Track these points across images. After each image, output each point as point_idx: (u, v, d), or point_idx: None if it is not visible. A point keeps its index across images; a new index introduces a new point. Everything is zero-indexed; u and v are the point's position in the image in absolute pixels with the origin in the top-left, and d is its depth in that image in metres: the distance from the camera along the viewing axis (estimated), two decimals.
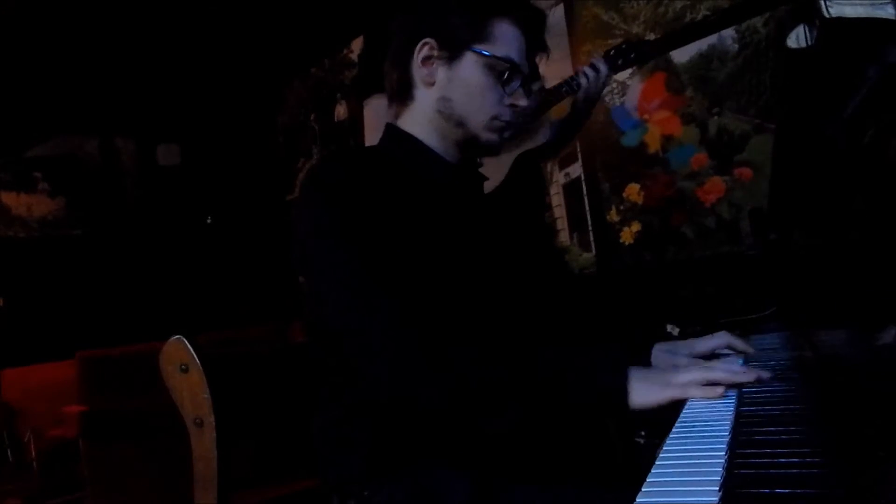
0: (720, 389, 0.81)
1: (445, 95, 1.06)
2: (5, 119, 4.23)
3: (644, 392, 0.83)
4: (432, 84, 1.07)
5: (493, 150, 1.12)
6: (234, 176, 4.94)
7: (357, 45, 4.27)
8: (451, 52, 1.05)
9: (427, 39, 1.05)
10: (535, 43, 1.11)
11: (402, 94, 1.10)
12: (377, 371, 0.88)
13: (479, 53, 1.04)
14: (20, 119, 4.33)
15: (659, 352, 1.11)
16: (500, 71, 1.05)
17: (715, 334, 1.12)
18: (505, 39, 1.05)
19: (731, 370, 0.85)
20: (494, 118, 1.07)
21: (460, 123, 1.07)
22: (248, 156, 4.96)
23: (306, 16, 4.18)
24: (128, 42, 4.22)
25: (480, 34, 1.04)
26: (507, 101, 1.07)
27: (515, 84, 1.07)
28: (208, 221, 4.88)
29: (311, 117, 4.66)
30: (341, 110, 4.41)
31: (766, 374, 0.84)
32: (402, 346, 0.87)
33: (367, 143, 1.77)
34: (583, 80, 1.82)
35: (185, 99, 4.76)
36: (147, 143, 4.92)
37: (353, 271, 0.91)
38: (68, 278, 4.37)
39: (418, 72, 1.07)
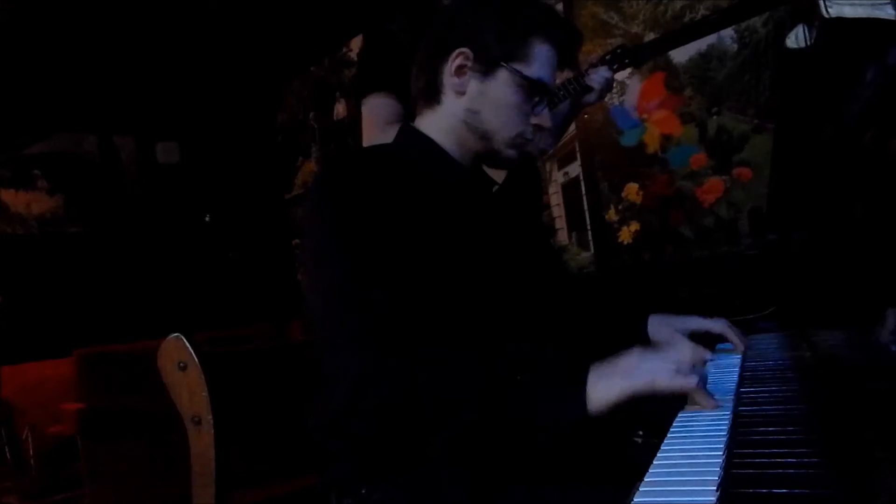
0: (709, 402, 0.78)
1: (474, 108, 1.05)
2: (4, 117, 4.22)
3: (604, 389, 0.80)
4: (462, 94, 1.05)
5: (510, 165, 1.12)
6: (233, 174, 4.94)
7: (356, 44, 4.27)
8: (486, 66, 1.04)
9: (463, 49, 1.04)
10: (567, 62, 1.11)
11: (427, 97, 1.09)
12: (338, 371, 0.89)
13: (514, 72, 1.03)
14: (19, 116, 4.32)
15: (654, 321, 1.15)
16: (531, 91, 1.05)
17: (715, 319, 1.13)
18: (540, 60, 1.04)
19: (700, 390, 0.80)
20: (518, 136, 1.07)
21: (485, 137, 1.06)
22: (247, 154, 4.95)
23: (306, 14, 4.18)
24: (127, 40, 4.21)
25: (518, 52, 1.03)
26: (533, 120, 1.07)
27: (543, 106, 1.07)
28: (207, 219, 4.88)
29: (311, 116, 4.66)
30: (340, 109, 4.41)
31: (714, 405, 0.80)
32: (364, 356, 0.87)
33: (365, 142, 1.76)
34: (594, 83, 1.84)
35: (184, 97, 4.76)
36: (146, 141, 4.91)
37: (338, 272, 0.92)
38: (67, 276, 4.36)
39: (449, 79, 1.06)
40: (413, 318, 0.90)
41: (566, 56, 1.10)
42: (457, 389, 0.85)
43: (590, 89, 1.85)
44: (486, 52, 1.04)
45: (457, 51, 1.04)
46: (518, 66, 1.03)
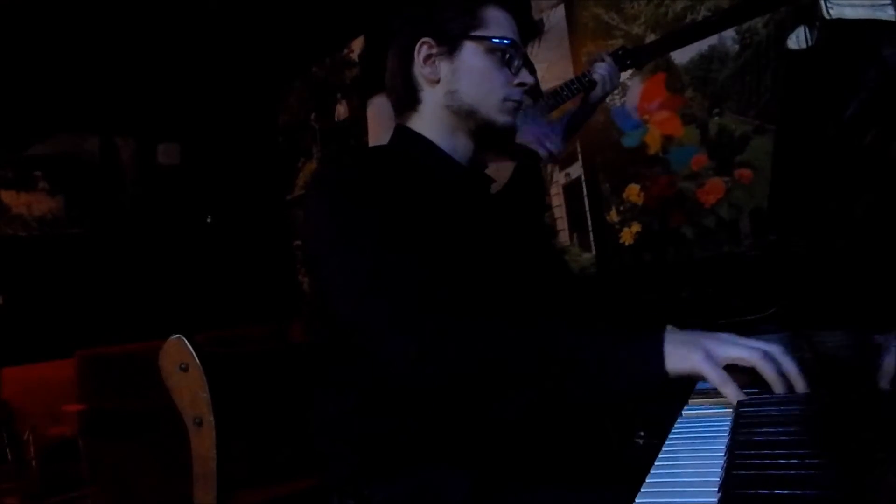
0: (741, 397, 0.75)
1: (452, 89, 1.07)
2: (5, 118, 4.23)
3: (681, 357, 0.78)
4: (437, 81, 1.08)
5: (510, 132, 1.12)
6: (235, 175, 4.94)
7: (357, 44, 4.27)
8: (450, 45, 1.07)
9: (424, 39, 1.07)
10: (525, 26, 1.13)
11: (409, 100, 1.11)
12: (391, 343, 0.86)
13: (478, 39, 1.06)
14: (20, 117, 4.32)
15: None
16: (502, 52, 1.07)
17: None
18: (498, 23, 1.08)
19: (784, 366, 0.76)
20: (505, 99, 1.08)
21: (472, 112, 1.08)
22: (248, 155, 4.96)
23: (306, 15, 4.18)
24: (128, 41, 4.22)
25: (474, 22, 1.07)
26: (514, 80, 1.09)
27: (518, 63, 1.09)
28: (208, 221, 4.88)
29: (312, 117, 4.66)
30: (342, 110, 4.41)
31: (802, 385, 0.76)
32: (424, 308, 0.86)
33: (371, 142, 1.76)
34: (596, 76, 1.83)
35: (185, 98, 4.76)
36: (147, 143, 4.91)
37: (367, 247, 0.91)
38: (68, 277, 4.36)
39: (421, 72, 1.08)
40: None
41: (520, 18, 1.12)
42: (531, 346, 0.84)
43: (593, 84, 1.84)
44: (444, 32, 1.07)
45: (419, 42, 1.07)
46: (479, 33, 1.06)
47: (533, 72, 1.82)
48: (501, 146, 1.17)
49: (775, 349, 0.78)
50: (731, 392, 0.75)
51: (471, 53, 1.07)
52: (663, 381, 0.79)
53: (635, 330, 0.84)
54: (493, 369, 0.84)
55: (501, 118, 1.09)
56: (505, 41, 1.07)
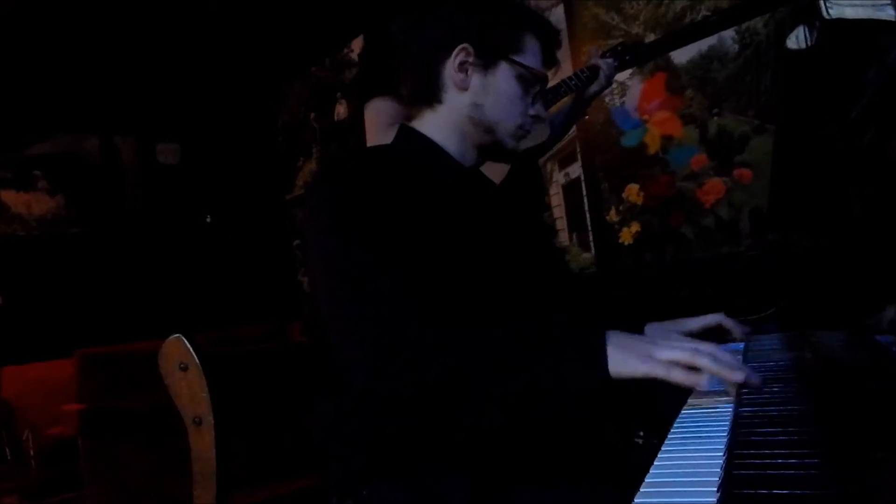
0: (703, 379, 0.77)
1: (478, 101, 1.08)
2: (5, 117, 4.23)
3: (622, 361, 0.79)
4: (465, 89, 1.08)
5: (512, 157, 1.16)
6: (234, 175, 4.94)
7: (357, 44, 4.27)
8: (487, 60, 1.07)
9: (464, 45, 1.06)
10: (550, 59, 1.15)
11: (428, 96, 1.10)
12: (359, 355, 0.87)
13: (515, 63, 1.07)
14: (20, 117, 4.32)
15: (650, 331, 1.16)
16: (529, 82, 1.09)
17: (710, 314, 1.15)
18: (534, 52, 1.10)
19: (718, 358, 0.78)
20: (520, 127, 1.11)
21: (489, 130, 1.09)
22: (247, 155, 4.95)
23: (306, 15, 4.18)
24: (128, 41, 4.22)
25: (516, 45, 1.08)
26: (531, 111, 1.12)
27: (539, 96, 1.12)
28: (208, 220, 4.88)
29: (311, 116, 4.66)
30: (341, 110, 4.41)
31: (755, 379, 0.78)
32: (396, 324, 0.86)
33: (369, 145, 1.76)
34: (599, 71, 1.85)
35: (184, 98, 4.76)
36: (147, 142, 4.91)
37: (350, 254, 0.91)
38: (67, 276, 4.36)
39: (452, 76, 1.07)
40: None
41: (549, 52, 1.14)
42: (490, 359, 0.83)
43: (592, 79, 1.85)
44: (486, 46, 1.07)
45: (459, 47, 1.06)
46: (518, 58, 1.07)
47: (546, 106, 1.84)
48: (500, 161, 1.20)
49: (709, 347, 0.80)
50: (679, 376, 0.77)
51: (505, 75, 1.08)
52: (608, 384, 0.79)
53: (581, 332, 0.84)
54: (455, 380, 0.83)
55: (511, 142, 1.11)
56: (538, 73, 1.10)
